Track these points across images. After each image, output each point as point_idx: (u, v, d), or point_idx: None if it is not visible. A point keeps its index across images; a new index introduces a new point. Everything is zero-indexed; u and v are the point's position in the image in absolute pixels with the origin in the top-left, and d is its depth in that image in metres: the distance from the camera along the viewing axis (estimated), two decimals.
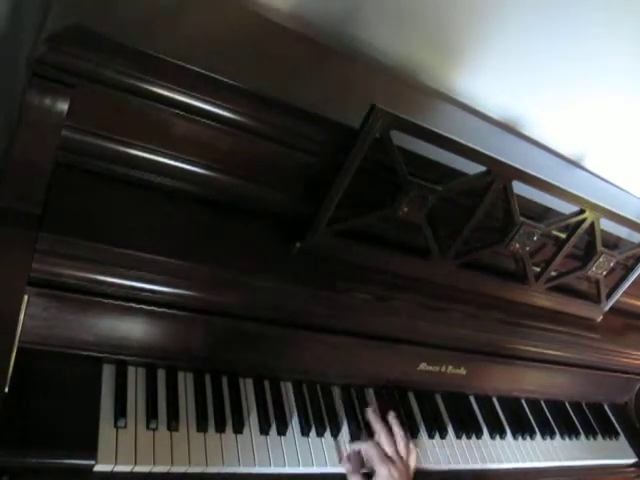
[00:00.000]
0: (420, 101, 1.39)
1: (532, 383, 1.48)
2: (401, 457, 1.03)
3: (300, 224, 1.02)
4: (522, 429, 1.41)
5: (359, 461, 1.05)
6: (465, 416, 1.33)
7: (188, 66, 0.85)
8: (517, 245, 1.19)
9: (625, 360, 1.54)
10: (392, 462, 1.00)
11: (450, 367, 1.27)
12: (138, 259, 0.85)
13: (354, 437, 1.12)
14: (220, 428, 0.98)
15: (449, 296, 1.20)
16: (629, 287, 1.44)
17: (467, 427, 1.30)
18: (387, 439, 1.05)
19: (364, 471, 1.04)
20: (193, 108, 0.88)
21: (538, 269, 1.30)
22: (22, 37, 1.19)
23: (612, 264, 1.35)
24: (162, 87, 0.85)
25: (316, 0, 1.28)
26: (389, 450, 1.03)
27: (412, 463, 1.05)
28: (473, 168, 1.06)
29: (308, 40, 1.28)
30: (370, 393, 1.23)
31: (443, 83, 1.50)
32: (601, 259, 1.32)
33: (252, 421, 1.03)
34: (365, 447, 1.04)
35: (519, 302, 1.31)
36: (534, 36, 1.49)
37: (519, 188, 1.12)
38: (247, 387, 1.08)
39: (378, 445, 1.04)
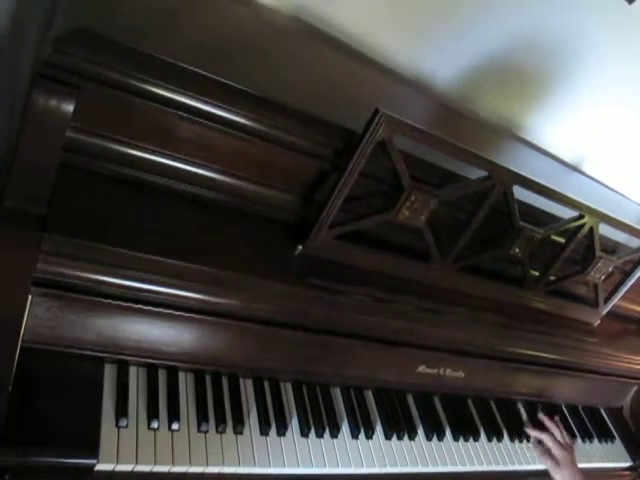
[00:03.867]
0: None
1: (529, 386, 1.49)
2: (568, 445, 1.41)
3: (302, 227, 1.02)
4: (519, 432, 1.42)
5: (544, 447, 1.41)
6: (463, 419, 1.34)
7: (192, 68, 0.86)
8: (517, 249, 1.20)
9: (621, 364, 1.55)
10: (566, 447, 1.39)
11: (449, 370, 1.28)
12: (141, 260, 0.85)
13: (355, 438, 1.13)
14: (220, 428, 0.99)
15: (449, 299, 1.20)
16: (627, 292, 1.45)
17: (465, 430, 1.31)
18: (557, 433, 1.42)
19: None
20: (197, 110, 0.89)
21: (537, 273, 1.30)
22: (23, 35, 1.19)
23: (610, 269, 1.36)
24: (166, 89, 0.85)
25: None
26: (561, 440, 1.41)
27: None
28: (475, 173, 1.07)
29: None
30: (369, 395, 1.23)
31: None
32: (600, 264, 1.33)
33: (252, 422, 1.04)
34: (545, 437, 1.41)
35: (518, 305, 1.31)
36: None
37: (519, 193, 1.13)
38: (247, 388, 1.08)
39: (554, 436, 1.41)
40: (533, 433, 1.43)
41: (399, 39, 1.42)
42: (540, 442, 1.42)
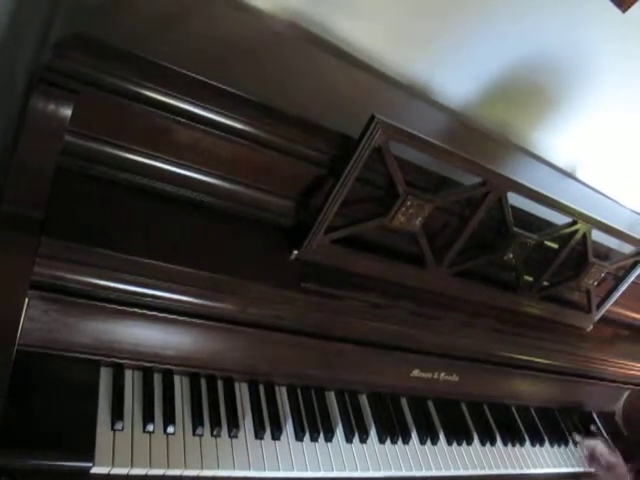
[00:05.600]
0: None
1: (522, 390, 1.50)
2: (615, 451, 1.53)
3: (298, 231, 1.03)
4: (512, 436, 1.43)
5: (594, 456, 1.53)
6: (456, 422, 1.35)
7: (190, 74, 0.86)
8: (511, 255, 1.21)
9: (614, 369, 1.56)
10: (616, 454, 1.51)
11: (443, 374, 1.29)
12: (138, 264, 0.86)
13: (349, 441, 1.14)
14: (215, 432, 0.99)
15: (443, 304, 1.21)
16: (619, 297, 1.47)
17: (458, 433, 1.32)
18: (605, 441, 1.56)
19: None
20: (194, 115, 0.89)
21: (531, 278, 1.31)
22: (23, 36, 1.19)
23: (603, 274, 1.37)
24: (165, 95, 0.85)
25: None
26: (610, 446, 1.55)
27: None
28: (470, 180, 1.08)
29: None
30: (363, 399, 1.24)
31: None
32: (592, 269, 1.34)
33: (247, 425, 1.04)
34: (595, 443, 1.53)
35: (512, 311, 1.32)
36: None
37: (513, 198, 1.14)
38: (242, 391, 1.08)
39: (603, 444, 1.54)
40: (588, 440, 1.54)
41: (401, 49, 1.44)
42: (592, 449, 1.53)
